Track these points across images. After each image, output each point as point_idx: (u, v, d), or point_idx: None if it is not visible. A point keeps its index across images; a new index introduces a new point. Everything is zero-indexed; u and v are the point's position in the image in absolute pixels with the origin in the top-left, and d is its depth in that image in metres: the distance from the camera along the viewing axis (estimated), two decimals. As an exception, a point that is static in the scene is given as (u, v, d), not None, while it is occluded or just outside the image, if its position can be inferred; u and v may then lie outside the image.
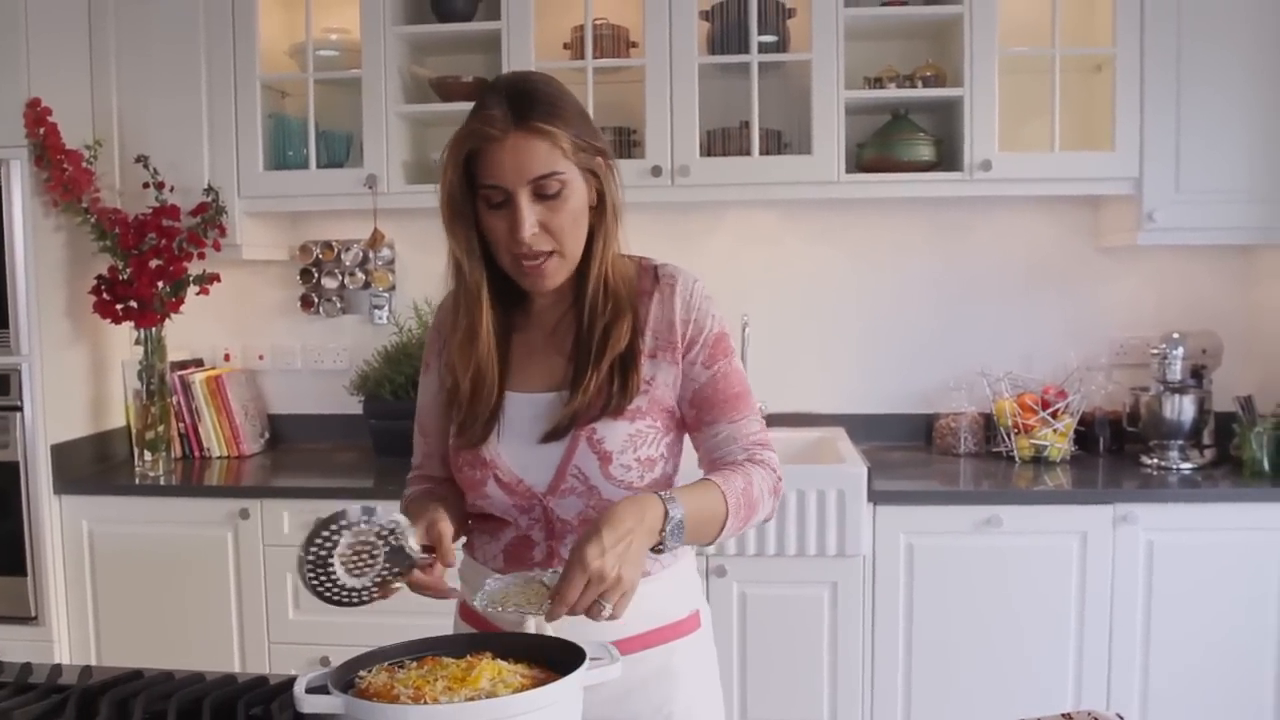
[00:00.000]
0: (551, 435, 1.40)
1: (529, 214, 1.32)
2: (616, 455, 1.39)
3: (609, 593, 1.19)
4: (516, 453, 1.42)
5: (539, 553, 1.44)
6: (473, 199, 1.37)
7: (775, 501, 1.45)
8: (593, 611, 1.19)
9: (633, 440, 1.40)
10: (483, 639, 1.23)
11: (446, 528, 1.33)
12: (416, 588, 1.31)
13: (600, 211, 1.41)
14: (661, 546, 1.28)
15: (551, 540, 1.43)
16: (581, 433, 1.39)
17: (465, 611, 1.53)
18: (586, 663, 1.11)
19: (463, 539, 1.51)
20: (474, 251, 1.40)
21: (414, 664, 1.16)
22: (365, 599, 1.32)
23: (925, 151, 2.88)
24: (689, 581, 1.53)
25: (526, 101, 1.33)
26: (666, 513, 1.27)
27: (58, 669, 1.37)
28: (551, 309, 1.47)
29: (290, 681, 1.27)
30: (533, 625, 1.26)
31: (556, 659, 1.14)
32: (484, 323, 1.42)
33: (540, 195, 1.33)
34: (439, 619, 1.58)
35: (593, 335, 1.41)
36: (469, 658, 1.15)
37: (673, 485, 1.47)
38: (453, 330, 1.46)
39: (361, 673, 1.15)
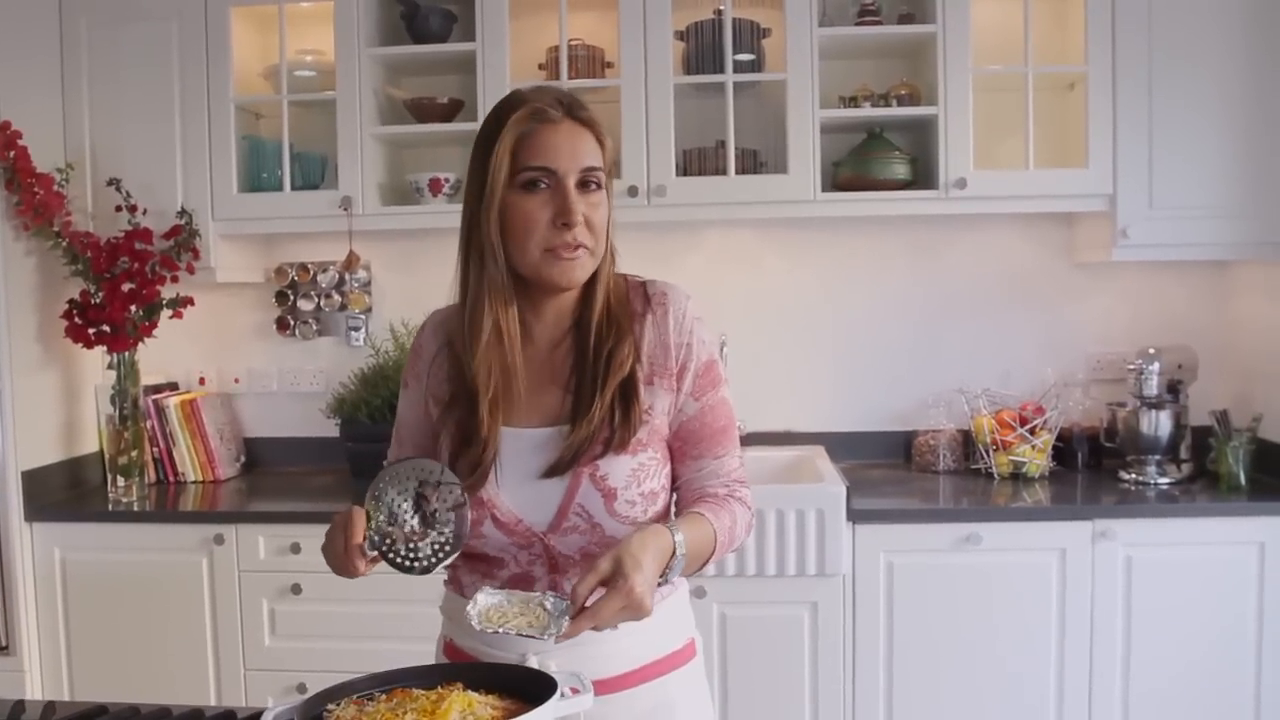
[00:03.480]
0: (553, 471, 1.35)
1: (579, 200, 1.32)
2: (621, 491, 1.35)
3: (629, 618, 1.19)
4: (515, 492, 1.37)
5: (540, 588, 1.38)
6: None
7: (747, 537, 1.46)
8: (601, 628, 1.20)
9: (636, 475, 1.36)
10: (453, 670, 1.21)
11: None
12: (341, 564, 1.29)
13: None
14: (663, 580, 1.27)
15: (555, 574, 1.39)
16: (584, 470, 1.35)
17: (451, 651, 1.48)
18: (558, 693, 1.10)
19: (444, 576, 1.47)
20: (502, 246, 1.35)
21: (383, 696, 1.14)
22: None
23: (901, 170, 2.89)
24: (683, 610, 1.50)
25: (571, 99, 1.36)
26: (674, 551, 1.26)
27: (20, 705, 1.34)
28: (548, 334, 1.42)
29: (257, 715, 1.25)
30: (546, 636, 1.21)
31: (528, 690, 1.13)
32: (511, 319, 1.37)
33: (583, 187, 1.33)
34: (422, 645, 1.56)
35: (598, 362, 1.37)
36: (439, 689, 1.14)
37: (669, 517, 1.44)
38: (469, 340, 1.38)
39: (330, 706, 1.13)
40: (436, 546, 1.29)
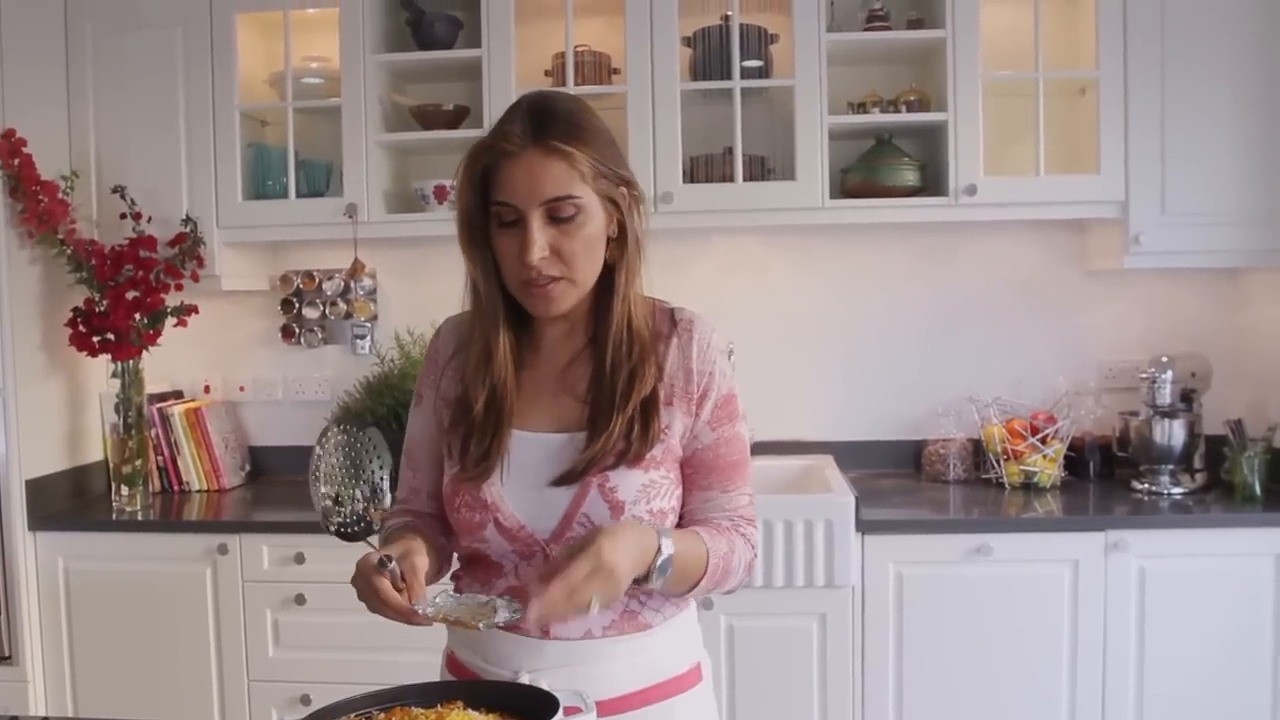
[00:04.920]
0: (563, 480, 1.33)
1: (539, 236, 1.28)
2: (629, 506, 1.33)
3: (602, 589, 1.17)
4: (521, 496, 1.35)
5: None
6: (486, 218, 1.33)
7: (746, 578, 1.41)
8: (577, 602, 1.17)
9: (646, 491, 1.34)
10: (454, 688, 1.19)
11: (421, 562, 1.27)
12: (381, 607, 1.24)
13: (621, 244, 1.36)
14: (647, 579, 1.24)
15: None
16: (594, 479, 1.32)
17: (453, 664, 1.45)
18: (560, 712, 1.08)
19: (443, 582, 1.45)
20: (490, 272, 1.36)
21: (381, 715, 1.12)
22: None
23: (910, 176, 2.86)
24: (689, 633, 1.46)
25: (548, 120, 1.30)
26: (660, 547, 1.25)
27: (14, 721, 1.32)
28: (564, 344, 1.41)
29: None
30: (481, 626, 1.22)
31: (530, 709, 1.10)
32: (501, 346, 1.37)
33: (553, 218, 1.29)
34: (428, 656, 1.53)
35: (616, 378, 1.35)
36: (439, 708, 1.12)
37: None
38: (467, 351, 1.40)
39: (327, 725, 1.11)
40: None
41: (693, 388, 1.38)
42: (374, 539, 1.27)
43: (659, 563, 1.24)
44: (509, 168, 1.29)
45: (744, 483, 1.41)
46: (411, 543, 1.31)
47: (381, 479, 1.27)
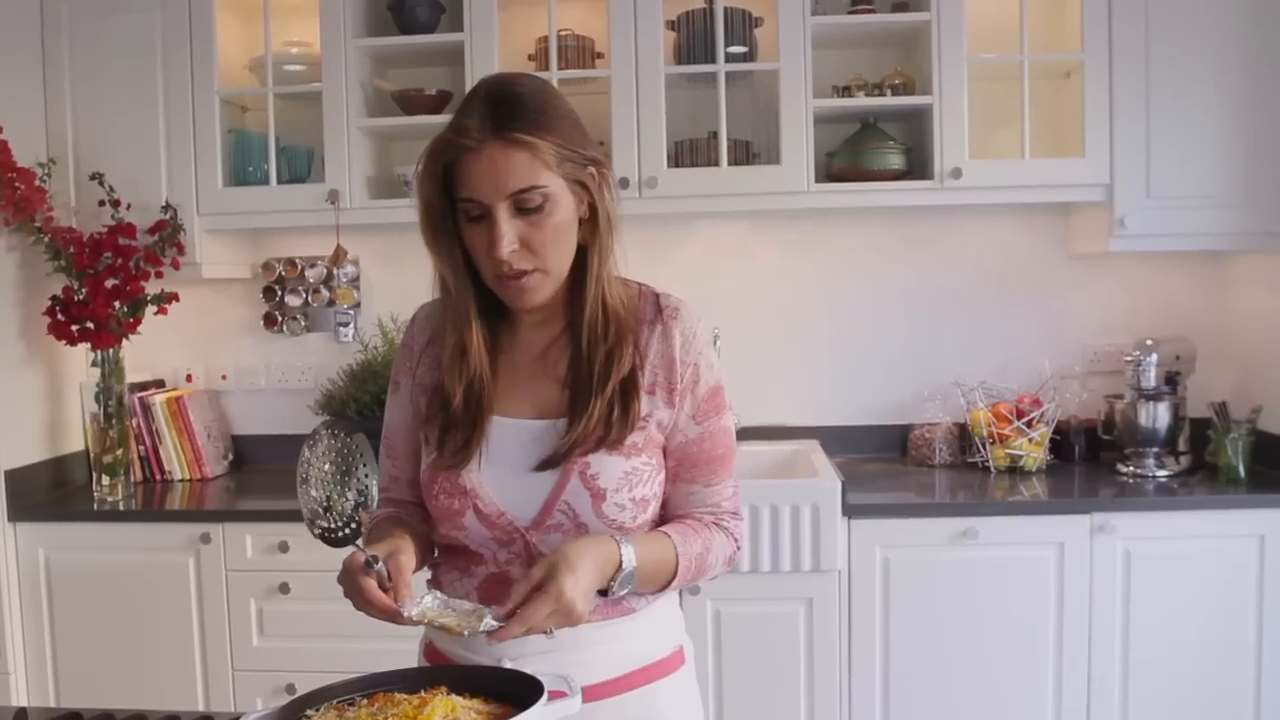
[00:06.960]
0: (545, 464, 1.32)
1: (508, 230, 1.25)
2: (610, 493, 1.31)
3: (562, 623, 1.17)
4: (500, 483, 1.33)
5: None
6: (454, 211, 1.30)
7: (726, 569, 1.42)
8: (535, 631, 1.18)
9: (628, 478, 1.32)
10: (437, 673, 1.18)
11: (408, 561, 1.26)
12: (366, 606, 1.22)
13: (594, 225, 1.33)
14: (608, 592, 1.25)
15: None
16: (574, 466, 1.31)
17: (431, 653, 1.44)
18: (544, 696, 1.07)
19: (426, 575, 1.43)
20: (459, 267, 1.33)
21: (365, 701, 1.11)
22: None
23: (895, 160, 2.86)
24: (671, 617, 1.46)
25: (507, 109, 1.25)
26: (621, 563, 1.25)
27: (-8, 712, 1.30)
28: (542, 329, 1.39)
29: (237, 720, 1.22)
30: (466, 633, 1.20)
31: (513, 693, 1.09)
32: (474, 339, 1.35)
33: (521, 209, 1.26)
34: (413, 644, 1.52)
35: (594, 360, 1.33)
36: (423, 693, 1.10)
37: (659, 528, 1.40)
38: (442, 345, 1.38)
39: (309, 711, 1.09)
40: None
41: (675, 379, 1.36)
42: (360, 541, 1.25)
43: (620, 578, 1.25)
44: (471, 163, 1.25)
45: (727, 475, 1.41)
46: (398, 541, 1.30)
47: (369, 484, 1.25)
